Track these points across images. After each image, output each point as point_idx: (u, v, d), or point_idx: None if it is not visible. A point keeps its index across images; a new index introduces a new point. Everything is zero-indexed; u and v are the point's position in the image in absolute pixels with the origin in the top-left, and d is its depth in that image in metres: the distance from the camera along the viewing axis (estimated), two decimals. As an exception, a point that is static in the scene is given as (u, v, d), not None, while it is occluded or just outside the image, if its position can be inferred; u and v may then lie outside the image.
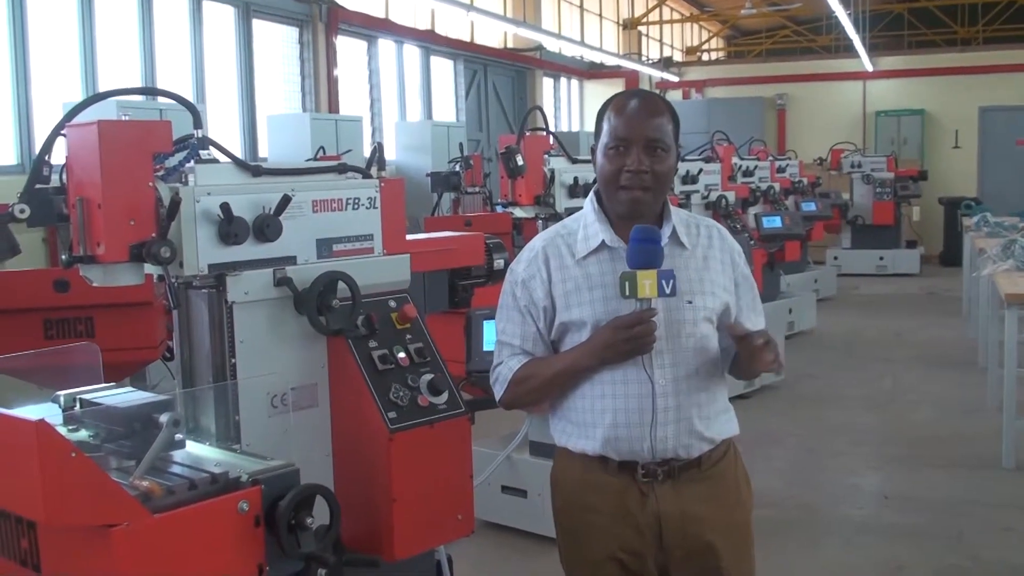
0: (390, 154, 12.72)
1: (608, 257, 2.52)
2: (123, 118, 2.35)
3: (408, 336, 2.77)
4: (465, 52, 15.75)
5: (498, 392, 2.64)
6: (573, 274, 2.53)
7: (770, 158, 11.30)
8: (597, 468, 2.53)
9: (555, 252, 2.57)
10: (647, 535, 2.50)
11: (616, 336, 2.39)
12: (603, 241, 2.53)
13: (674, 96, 20.36)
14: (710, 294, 2.54)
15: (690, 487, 2.51)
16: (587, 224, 2.58)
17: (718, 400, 2.59)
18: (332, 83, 12.26)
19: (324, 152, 9.58)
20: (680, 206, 7.75)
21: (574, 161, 5.46)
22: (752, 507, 2.68)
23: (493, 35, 16.73)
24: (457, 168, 10.94)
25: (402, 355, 2.72)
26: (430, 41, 14.72)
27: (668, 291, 2.34)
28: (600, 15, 20.73)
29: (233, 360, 2.54)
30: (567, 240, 2.58)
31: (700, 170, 8.17)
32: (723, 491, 2.57)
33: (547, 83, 18.89)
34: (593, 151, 2.60)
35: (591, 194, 2.63)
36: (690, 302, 2.50)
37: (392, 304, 2.80)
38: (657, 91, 20.24)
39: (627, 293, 2.34)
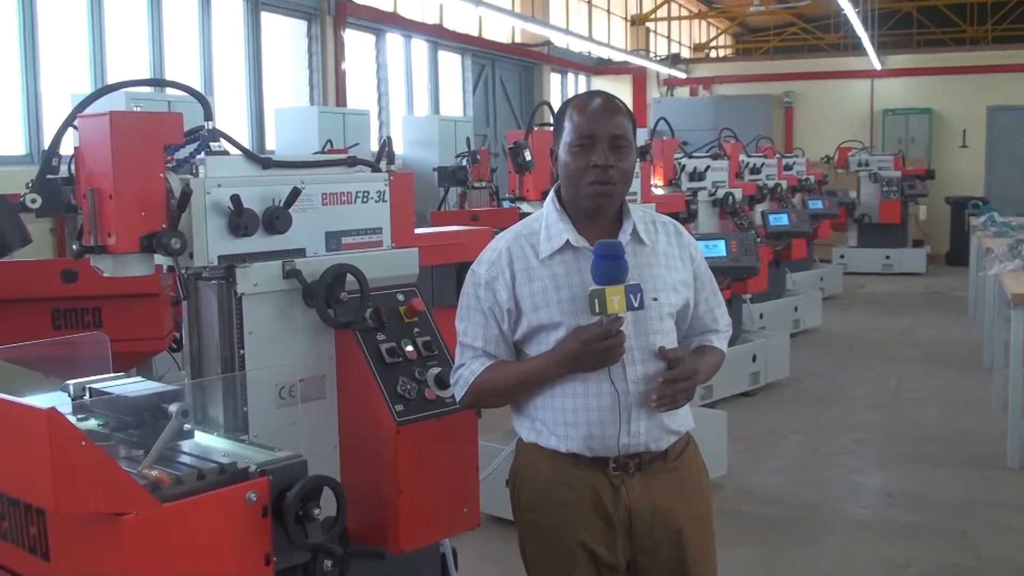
0: (397, 148, 12.71)
1: (573, 257, 2.51)
2: (135, 109, 2.36)
3: (416, 329, 2.78)
4: (473, 47, 15.73)
5: (459, 394, 2.61)
6: (539, 275, 2.51)
7: (777, 156, 11.27)
8: (568, 463, 2.52)
9: (520, 253, 2.54)
10: (618, 528, 2.52)
11: (584, 349, 2.40)
12: (567, 241, 2.52)
13: (681, 93, 20.34)
14: (672, 290, 2.57)
15: (657, 479, 2.54)
16: (549, 224, 2.56)
17: None
18: (340, 77, 12.26)
19: (332, 145, 9.56)
20: (687, 203, 7.75)
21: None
22: (712, 497, 2.72)
23: (501, 30, 16.71)
24: (464, 163, 10.92)
25: (410, 348, 2.73)
26: (438, 35, 14.71)
27: (636, 304, 2.36)
28: (608, 11, 20.69)
29: (242, 351, 2.55)
30: (530, 240, 2.56)
31: (707, 167, 8.15)
32: (688, 482, 2.61)
33: (555, 78, 18.86)
34: (551, 152, 2.60)
35: (551, 192, 2.62)
36: (655, 299, 2.51)
37: (400, 297, 2.80)
38: (664, 88, 20.26)
39: (597, 310, 2.35)
